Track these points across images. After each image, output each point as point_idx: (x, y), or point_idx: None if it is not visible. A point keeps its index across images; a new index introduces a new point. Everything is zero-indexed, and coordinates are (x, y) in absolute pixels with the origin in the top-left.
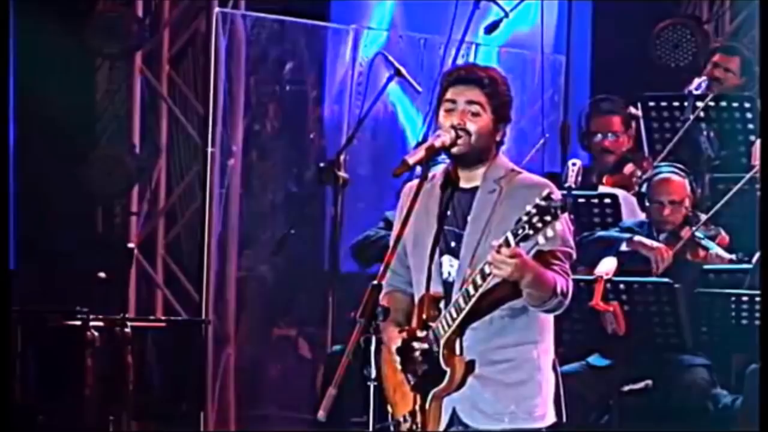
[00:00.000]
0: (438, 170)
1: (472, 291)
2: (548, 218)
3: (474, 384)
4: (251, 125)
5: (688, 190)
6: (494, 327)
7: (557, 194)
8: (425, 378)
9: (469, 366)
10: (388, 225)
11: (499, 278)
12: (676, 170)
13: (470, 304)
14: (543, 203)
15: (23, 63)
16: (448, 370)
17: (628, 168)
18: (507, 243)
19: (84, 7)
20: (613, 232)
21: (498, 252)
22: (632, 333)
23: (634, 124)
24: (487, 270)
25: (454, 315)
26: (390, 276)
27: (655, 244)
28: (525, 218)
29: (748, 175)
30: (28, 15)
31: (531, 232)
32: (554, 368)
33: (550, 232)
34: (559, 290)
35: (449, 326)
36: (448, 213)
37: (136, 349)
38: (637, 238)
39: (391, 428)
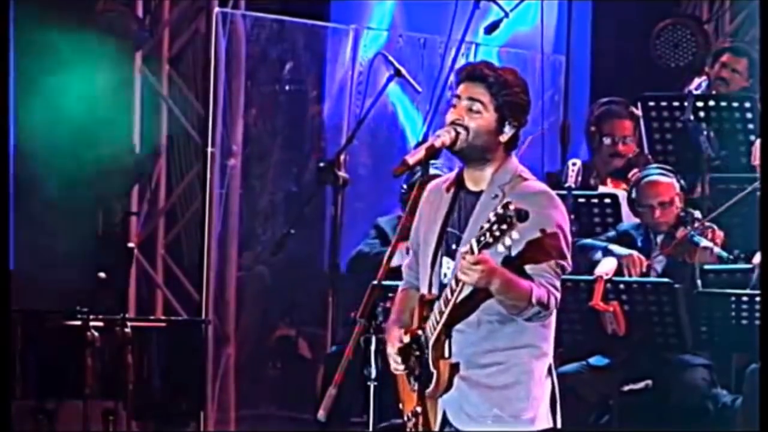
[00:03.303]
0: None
1: (449, 295)
2: (504, 227)
3: (462, 387)
4: (251, 125)
5: (676, 189)
6: (482, 331)
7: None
8: (420, 379)
9: (455, 368)
10: (380, 234)
11: (468, 284)
12: (663, 171)
13: (449, 307)
14: (501, 211)
15: (23, 63)
16: (435, 372)
17: (633, 173)
18: (472, 250)
19: (84, 7)
20: (592, 241)
21: (464, 258)
22: (632, 333)
23: (638, 128)
24: (459, 275)
25: (438, 318)
26: (407, 273)
27: (626, 251)
28: (486, 226)
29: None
30: (28, 15)
31: (491, 240)
32: (550, 373)
33: (507, 241)
34: (535, 300)
35: (434, 329)
36: (453, 215)
37: (136, 349)
38: (611, 246)
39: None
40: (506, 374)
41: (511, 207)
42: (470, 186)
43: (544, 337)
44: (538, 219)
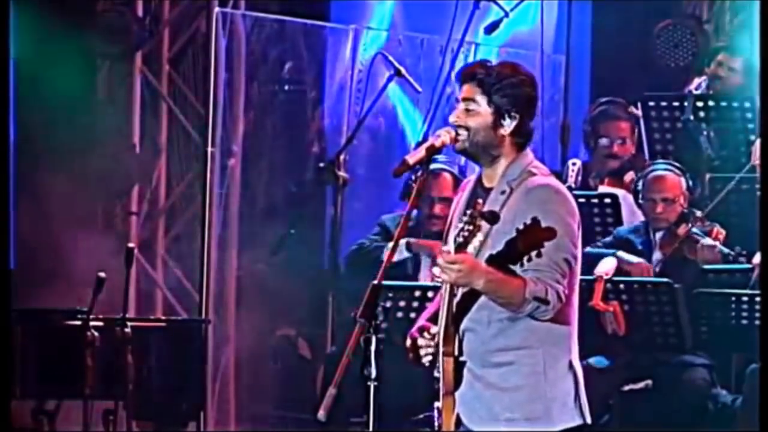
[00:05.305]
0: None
1: (443, 293)
2: (471, 228)
3: (476, 386)
4: (251, 125)
5: (683, 188)
6: (493, 329)
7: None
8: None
9: (460, 366)
10: (384, 231)
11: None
12: (672, 168)
13: (444, 304)
14: (473, 212)
15: (23, 63)
16: (441, 369)
17: (629, 176)
18: (450, 250)
19: (84, 7)
20: (599, 249)
21: (442, 257)
22: (632, 333)
23: (636, 129)
24: (440, 274)
25: (441, 315)
26: None
27: (635, 260)
28: (460, 226)
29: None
30: (29, 15)
31: (462, 240)
32: (571, 370)
33: (476, 242)
34: (529, 296)
35: (441, 324)
36: (468, 212)
37: (136, 349)
38: (619, 254)
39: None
40: (518, 375)
41: (478, 209)
42: (485, 183)
43: (560, 336)
44: (535, 212)
